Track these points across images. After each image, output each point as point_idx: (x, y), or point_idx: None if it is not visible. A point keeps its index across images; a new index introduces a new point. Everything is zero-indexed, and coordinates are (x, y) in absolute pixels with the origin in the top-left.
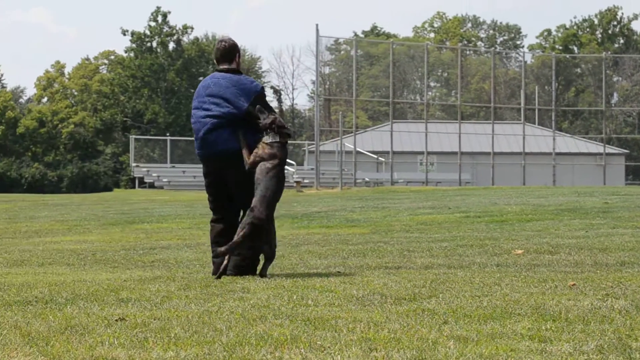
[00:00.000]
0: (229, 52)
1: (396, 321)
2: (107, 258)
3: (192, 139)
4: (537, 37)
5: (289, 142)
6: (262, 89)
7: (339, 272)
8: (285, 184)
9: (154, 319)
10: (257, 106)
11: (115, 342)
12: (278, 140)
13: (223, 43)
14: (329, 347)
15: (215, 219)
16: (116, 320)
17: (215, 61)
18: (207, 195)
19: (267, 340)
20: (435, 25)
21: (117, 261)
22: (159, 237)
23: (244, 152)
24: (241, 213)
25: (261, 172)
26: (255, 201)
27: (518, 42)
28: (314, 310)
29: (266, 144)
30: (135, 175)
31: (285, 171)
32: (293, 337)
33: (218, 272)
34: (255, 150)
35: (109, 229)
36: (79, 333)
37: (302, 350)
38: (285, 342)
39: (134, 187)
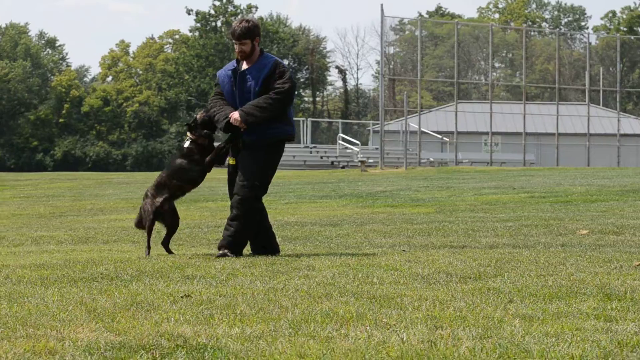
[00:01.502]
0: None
1: (461, 299)
2: (174, 237)
3: None
4: (601, 19)
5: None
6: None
7: (404, 250)
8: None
9: (220, 296)
10: None
11: (181, 319)
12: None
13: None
14: (394, 324)
15: None
16: (182, 296)
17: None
18: (272, 176)
19: (333, 318)
20: (500, 6)
21: (182, 239)
22: (224, 215)
23: None
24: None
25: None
26: None
27: (582, 24)
28: (379, 288)
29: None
30: None
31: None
32: (359, 314)
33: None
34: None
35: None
36: (145, 309)
37: (368, 328)
38: (350, 319)
39: None
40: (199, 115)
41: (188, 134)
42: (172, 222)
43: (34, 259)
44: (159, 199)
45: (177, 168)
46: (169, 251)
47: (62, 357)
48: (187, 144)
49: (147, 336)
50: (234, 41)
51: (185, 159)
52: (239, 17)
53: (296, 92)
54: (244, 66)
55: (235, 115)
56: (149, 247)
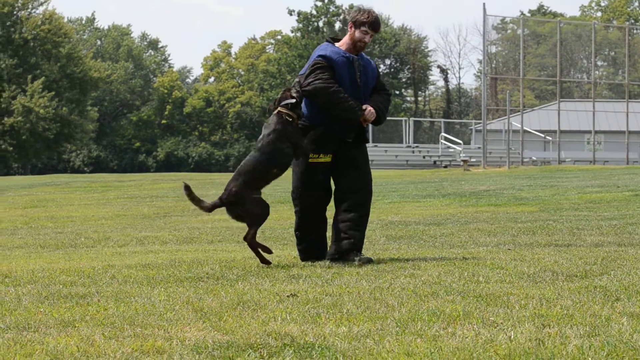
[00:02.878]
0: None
1: (568, 298)
2: (277, 236)
3: None
4: None
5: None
6: (319, 57)
7: (509, 249)
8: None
9: (326, 295)
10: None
11: (288, 318)
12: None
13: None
14: (501, 322)
15: None
16: (288, 296)
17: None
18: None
19: (440, 316)
20: (602, 4)
21: (287, 239)
22: (328, 215)
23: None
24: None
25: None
26: None
27: None
28: (485, 286)
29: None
30: None
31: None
32: (465, 313)
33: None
34: None
35: (277, 207)
36: (251, 308)
37: (475, 326)
38: (457, 318)
39: None
40: (294, 92)
41: (289, 113)
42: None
43: (140, 259)
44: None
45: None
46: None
47: (170, 357)
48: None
49: (254, 335)
50: (364, 29)
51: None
52: (364, 8)
53: (398, 92)
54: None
55: (372, 109)
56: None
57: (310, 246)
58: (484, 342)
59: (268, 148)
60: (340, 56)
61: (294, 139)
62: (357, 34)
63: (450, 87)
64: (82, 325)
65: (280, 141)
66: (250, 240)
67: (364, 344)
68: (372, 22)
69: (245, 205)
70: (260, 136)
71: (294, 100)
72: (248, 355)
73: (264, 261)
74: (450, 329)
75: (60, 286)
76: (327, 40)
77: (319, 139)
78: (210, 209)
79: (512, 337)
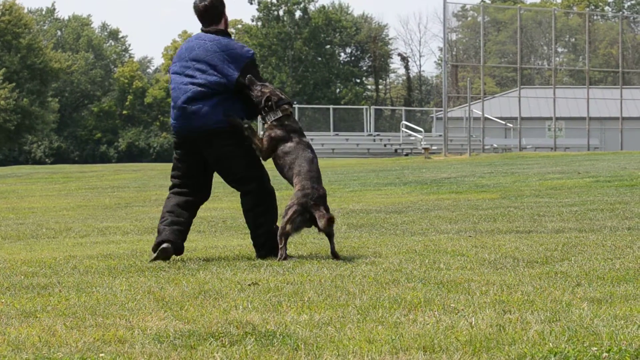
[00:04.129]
0: (212, 11)
1: (529, 284)
2: (238, 225)
3: (320, 107)
4: None
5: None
6: (254, 55)
7: (470, 236)
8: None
9: (287, 284)
10: (248, 76)
11: (249, 306)
12: (281, 115)
13: (204, 2)
14: (462, 309)
15: (180, 192)
16: (249, 284)
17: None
18: (178, 166)
19: (401, 303)
20: None
21: (247, 228)
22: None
23: (253, 136)
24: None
25: (295, 151)
26: (302, 181)
27: None
28: (446, 273)
29: (273, 124)
30: None
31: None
32: (426, 299)
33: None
34: (268, 133)
35: (237, 196)
36: (213, 297)
37: (436, 313)
38: (418, 305)
39: None
40: (281, 94)
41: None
42: None
43: (101, 249)
44: None
45: None
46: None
47: (131, 346)
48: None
49: (215, 324)
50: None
51: None
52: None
53: (359, 81)
54: None
55: None
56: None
57: None
58: (445, 329)
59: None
60: None
61: None
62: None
63: (411, 75)
64: (43, 315)
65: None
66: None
67: (326, 332)
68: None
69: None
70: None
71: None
72: (209, 344)
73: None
74: (412, 315)
75: (22, 277)
76: (210, 32)
77: None
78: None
79: (473, 323)
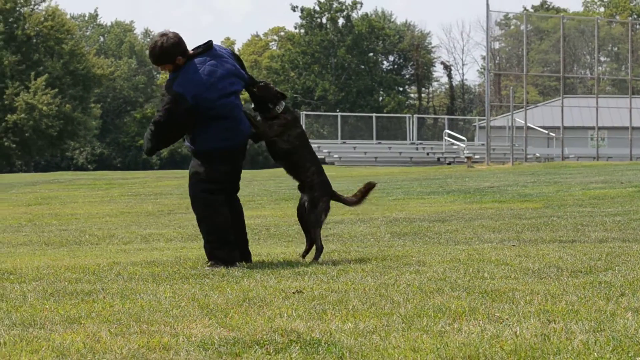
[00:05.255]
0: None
1: (573, 293)
2: (282, 232)
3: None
4: None
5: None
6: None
7: (513, 245)
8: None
9: (331, 292)
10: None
11: (294, 314)
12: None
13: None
14: (507, 318)
15: (223, 205)
16: (293, 292)
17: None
18: (218, 180)
19: (445, 312)
20: None
21: (291, 235)
22: (332, 212)
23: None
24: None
25: (300, 139)
26: (320, 170)
27: None
28: (490, 283)
29: (281, 113)
30: None
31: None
32: (471, 308)
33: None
34: (279, 120)
35: (281, 204)
36: (257, 305)
37: (481, 322)
38: (463, 314)
39: None
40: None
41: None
42: None
43: (145, 256)
44: None
45: None
46: None
47: (176, 353)
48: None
49: (260, 332)
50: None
51: None
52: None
53: (402, 89)
54: None
55: None
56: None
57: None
58: (490, 338)
59: None
60: None
61: None
62: None
63: (453, 84)
64: (88, 321)
65: None
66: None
67: (370, 340)
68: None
69: None
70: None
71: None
72: (254, 352)
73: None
74: (456, 324)
75: (66, 283)
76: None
77: None
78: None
79: (517, 332)
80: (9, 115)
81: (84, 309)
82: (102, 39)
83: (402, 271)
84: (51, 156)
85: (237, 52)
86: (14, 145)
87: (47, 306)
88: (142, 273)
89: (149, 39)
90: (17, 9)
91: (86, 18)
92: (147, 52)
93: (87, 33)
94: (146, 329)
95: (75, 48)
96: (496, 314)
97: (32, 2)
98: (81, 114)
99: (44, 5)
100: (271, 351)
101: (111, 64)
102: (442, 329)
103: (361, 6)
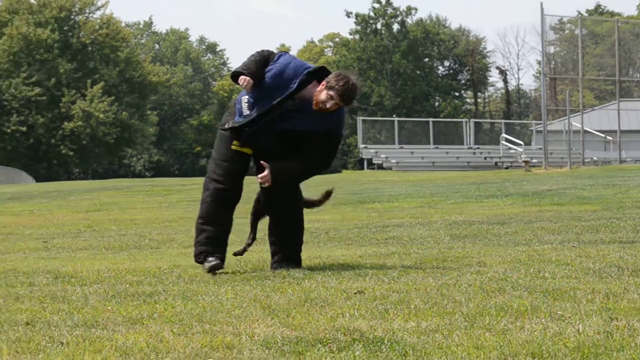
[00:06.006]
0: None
1: (635, 292)
2: (341, 236)
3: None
4: None
5: None
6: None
7: (573, 246)
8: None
9: (393, 292)
10: None
11: (356, 314)
12: None
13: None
14: (569, 317)
15: None
16: (355, 293)
17: None
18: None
19: (507, 311)
20: None
21: (351, 238)
22: (391, 215)
23: None
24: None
25: None
26: None
27: None
28: (551, 282)
29: None
30: (363, 157)
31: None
32: (533, 307)
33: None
34: None
35: (340, 208)
36: (319, 305)
37: (543, 320)
38: (525, 313)
39: (362, 169)
40: None
41: None
42: None
43: None
44: None
45: None
46: None
47: (239, 352)
48: None
49: (322, 330)
50: (331, 94)
51: None
52: (343, 74)
53: (458, 94)
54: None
55: (267, 173)
56: None
57: None
58: (553, 335)
59: None
60: (296, 70)
61: None
62: (323, 94)
63: (509, 88)
64: (150, 322)
65: None
66: None
67: (433, 338)
68: (343, 94)
69: None
70: None
71: None
72: (317, 350)
73: None
74: (519, 322)
75: (127, 285)
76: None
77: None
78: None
79: (580, 330)
80: (65, 123)
81: (146, 310)
82: (157, 46)
83: (463, 272)
84: (108, 163)
85: None
86: (72, 153)
87: (109, 307)
88: (203, 275)
89: (204, 46)
90: (72, 17)
91: (141, 26)
92: (349, 92)
93: (142, 41)
94: (209, 328)
95: (130, 55)
96: (558, 312)
97: (87, 11)
98: (138, 121)
99: (98, 14)
100: (334, 349)
101: (167, 71)
102: (505, 327)
103: (416, 12)
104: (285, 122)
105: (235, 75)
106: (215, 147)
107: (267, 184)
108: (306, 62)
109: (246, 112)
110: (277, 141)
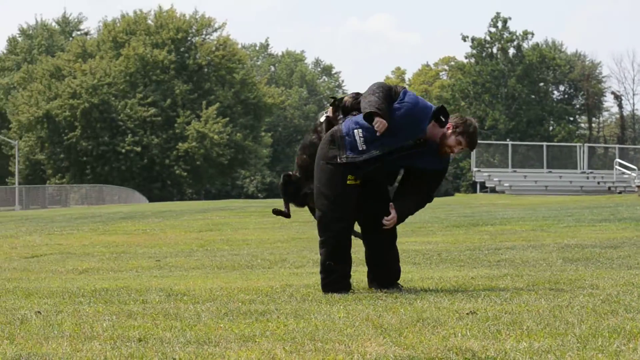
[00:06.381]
0: None
1: None
2: (453, 257)
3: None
4: None
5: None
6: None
7: None
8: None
9: (505, 313)
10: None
11: (468, 334)
12: None
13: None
14: None
15: None
16: (467, 313)
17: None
18: None
19: (620, 333)
20: None
21: (463, 260)
22: (503, 238)
23: None
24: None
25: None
26: None
27: None
28: None
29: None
30: (476, 180)
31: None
32: None
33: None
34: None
35: (452, 230)
36: (431, 325)
37: None
38: (638, 334)
39: (474, 192)
40: (347, 98)
41: (329, 109)
42: None
43: (317, 279)
44: None
45: (307, 144)
46: None
47: None
48: (322, 118)
49: (434, 350)
50: (461, 139)
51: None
52: (471, 121)
53: (572, 119)
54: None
55: (394, 215)
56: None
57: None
58: None
59: None
60: (424, 112)
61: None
62: (452, 139)
63: (624, 113)
64: (262, 340)
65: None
66: None
67: (545, 359)
68: (472, 140)
69: None
70: None
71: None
72: None
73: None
74: (632, 344)
75: (239, 304)
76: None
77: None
78: None
79: None
80: (180, 144)
81: (258, 328)
82: (272, 68)
83: (576, 294)
84: (222, 184)
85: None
86: (185, 174)
87: (222, 325)
88: (315, 294)
89: (319, 69)
90: (189, 38)
91: (257, 48)
92: (476, 138)
93: (258, 62)
94: (321, 347)
95: (246, 77)
96: None
97: (204, 32)
98: (252, 143)
99: (215, 35)
100: None
101: (282, 93)
102: (618, 349)
103: (532, 36)
104: (408, 160)
105: (369, 115)
106: (324, 182)
107: (391, 225)
108: (428, 101)
109: (362, 147)
110: (387, 175)
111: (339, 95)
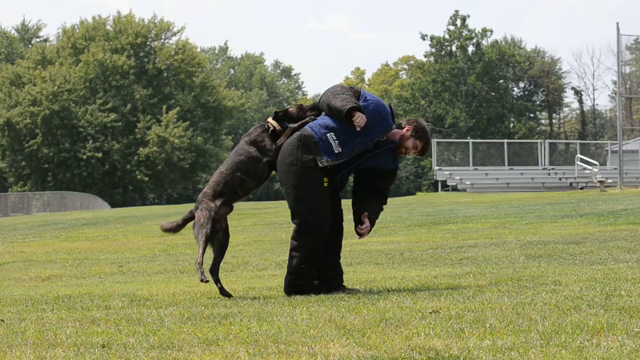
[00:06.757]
0: None
1: None
2: (415, 257)
3: (494, 141)
4: None
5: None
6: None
7: None
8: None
9: (468, 311)
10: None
11: (431, 333)
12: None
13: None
14: None
15: None
16: (430, 312)
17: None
18: None
19: (583, 329)
20: None
21: (426, 259)
22: (466, 236)
23: None
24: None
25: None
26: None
27: None
28: (627, 300)
29: None
30: (437, 179)
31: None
32: (609, 325)
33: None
34: None
35: (414, 230)
36: (394, 325)
37: (619, 337)
38: (601, 330)
39: (436, 191)
40: (291, 108)
41: (272, 121)
42: (225, 239)
43: (280, 281)
44: (218, 203)
45: (245, 160)
46: (217, 280)
47: None
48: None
49: (398, 350)
50: (417, 143)
51: (255, 147)
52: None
53: (533, 115)
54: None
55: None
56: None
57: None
58: (630, 352)
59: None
60: (385, 109)
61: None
62: (410, 142)
63: (584, 109)
64: (225, 343)
65: (248, 145)
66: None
67: (509, 356)
68: (425, 149)
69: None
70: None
71: (280, 112)
72: None
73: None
74: (595, 340)
75: (202, 307)
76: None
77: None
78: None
79: None
80: (141, 149)
81: (222, 332)
82: (232, 71)
83: (538, 290)
84: (183, 188)
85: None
86: (147, 178)
87: (185, 329)
88: (277, 297)
89: (279, 70)
90: (148, 43)
91: (216, 51)
92: (429, 145)
93: (218, 66)
94: (284, 349)
95: (205, 81)
96: (635, 330)
97: (163, 37)
98: (213, 146)
99: (174, 39)
100: None
101: (242, 95)
102: (581, 345)
103: (491, 33)
104: (372, 160)
105: (349, 111)
106: (301, 187)
107: (366, 234)
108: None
109: (337, 149)
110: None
111: (285, 107)
